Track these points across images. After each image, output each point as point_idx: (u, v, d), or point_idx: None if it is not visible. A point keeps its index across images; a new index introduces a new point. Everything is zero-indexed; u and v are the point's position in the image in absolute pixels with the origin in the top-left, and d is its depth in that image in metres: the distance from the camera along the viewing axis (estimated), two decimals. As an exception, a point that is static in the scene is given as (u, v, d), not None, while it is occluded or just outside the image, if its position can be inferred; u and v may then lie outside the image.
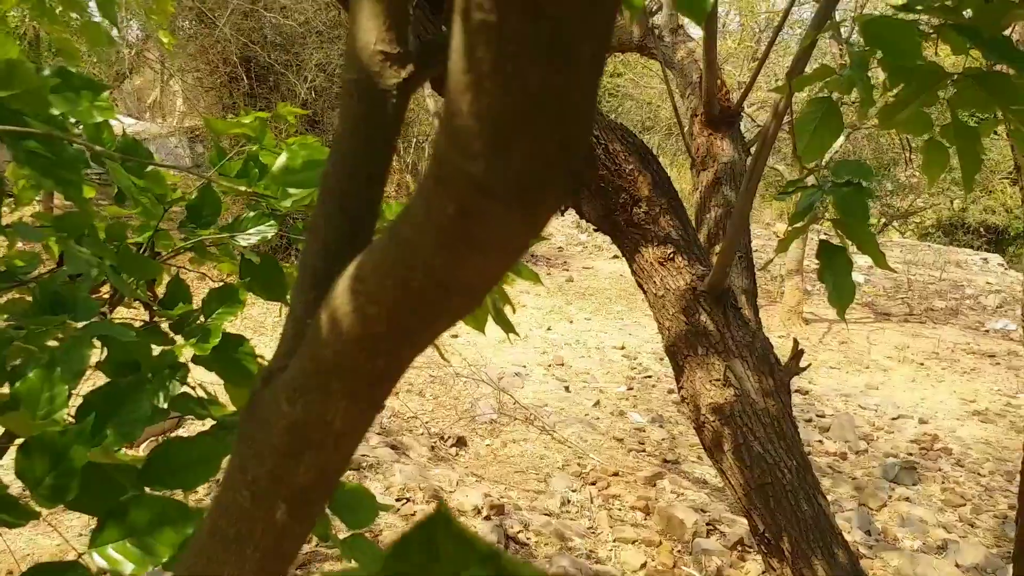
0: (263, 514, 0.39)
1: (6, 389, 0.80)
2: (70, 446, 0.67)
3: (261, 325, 6.56)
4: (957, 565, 3.82)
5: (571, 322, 8.14)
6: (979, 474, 5.04)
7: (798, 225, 1.10)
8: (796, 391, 6.31)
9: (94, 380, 1.06)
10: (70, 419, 0.78)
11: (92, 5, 2.49)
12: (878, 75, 1.04)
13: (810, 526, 1.54)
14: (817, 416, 5.96)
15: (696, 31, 2.11)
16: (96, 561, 0.68)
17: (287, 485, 0.39)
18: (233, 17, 8.07)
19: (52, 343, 1.07)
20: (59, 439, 0.68)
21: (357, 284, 0.33)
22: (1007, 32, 1.05)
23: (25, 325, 0.90)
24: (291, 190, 0.76)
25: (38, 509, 0.69)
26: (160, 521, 0.70)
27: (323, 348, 0.36)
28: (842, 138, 7.21)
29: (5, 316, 0.95)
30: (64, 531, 3.23)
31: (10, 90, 0.76)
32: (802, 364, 1.57)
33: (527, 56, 0.21)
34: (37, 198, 1.56)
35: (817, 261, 1.23)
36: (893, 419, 5.96)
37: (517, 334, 1.23)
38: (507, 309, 1.15)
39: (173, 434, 3.81)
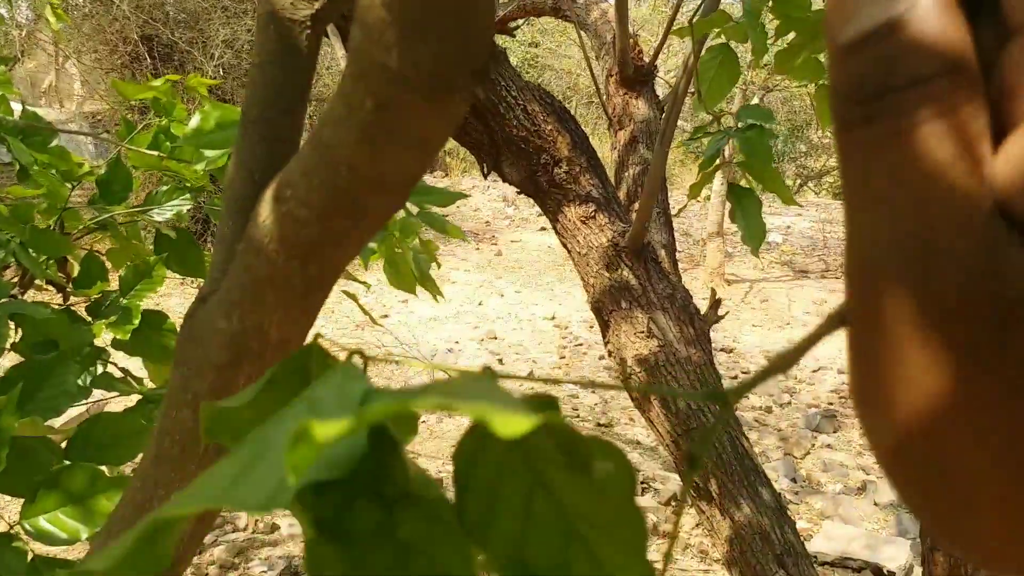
0: None
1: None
2: (-4, 416, 0.66)
3: (180, 316, 6.38)
4: (876, 503, 4.05)
5: (502, 295, 8.18)
6: (893, 417, 5.33)
7: (707, 170, 1.15)
8: (721, 350, 6.52)
9: (9, 363, 1.03)
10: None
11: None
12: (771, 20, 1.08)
13: (735, 467, 1.61)
14: (742, 373, 6.17)
15: (608, -5, 2.14)
16: (28, 530, 0.66)
17: (228, 397, 0.39)
18: (132, -6, 7.73)
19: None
20: (-17, 409, 0.66)
21: (286, 190, 0.34)
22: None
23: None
24: (206, 152, 0.75)
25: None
26: (93, 490, 0.69)
27: (255, 258, 0.36)
28: (755, 100, 7.42)
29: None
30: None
31: None
32: (720, 313, 1.63)
33: None
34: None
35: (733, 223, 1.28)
36: (813, 371, 6.23)
37: (442, 294, 1.24)
38: (433, 267, 1.15)
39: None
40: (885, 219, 0.19)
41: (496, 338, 6.73)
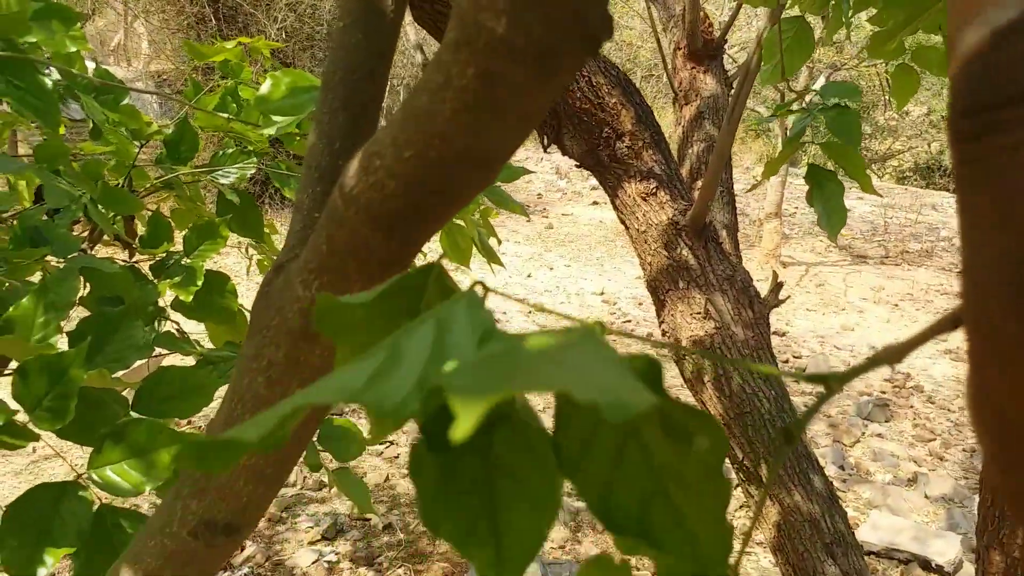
0: (278, 397, 0.40)
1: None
2: (68, 368, 0.67)
3: (237, 275, 6.51)
4: (926, 496, 3.96)
5: (551, 269, 8.16)
6: (949, 410, 5.18)
7: (789, 148, 1.10)
8: (774, 333, 6.40)
9: (78, 317, 1.06)
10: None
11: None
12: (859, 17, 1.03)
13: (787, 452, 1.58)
14: (794, 357, 6.07)
15: (678, -36, 2.07)
16: (96, 482, 0.68)
17: (303, 367, 0.39)
18: (200, -44, 7.81)
19: (34, 279, 1.06)
20: (56, 360, 0.68)
21: (374, 160, 0.33)
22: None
23: (7, 259, 0.89)
24: (275, 118, 0.75)
25: (37, 432, 0.69)
26: (156, 444, 0.70)
27: (339, 229, 0.35)
28: (822, 79, 7.19)
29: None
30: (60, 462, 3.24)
31: (-11, 11, 0.74)
32: (780, 297, 1.59)
33: None
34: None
35: (803, 202, 1.24)
36: (868, 359, 6.08)
37: (502, 264, 1.23)
38: (492, 241, 1.14)
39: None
40: (990, 235, 0.19)
41: (544, 311, 6.72)
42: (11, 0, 0.83)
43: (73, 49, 1.08)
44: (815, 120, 1.05)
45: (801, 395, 5.31)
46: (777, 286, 1.59)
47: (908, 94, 1.18)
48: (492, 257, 1.14)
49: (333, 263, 0.37)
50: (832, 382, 0.28)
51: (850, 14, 1.02)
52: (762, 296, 1.65)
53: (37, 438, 0.68)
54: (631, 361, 0.24)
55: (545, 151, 1.69)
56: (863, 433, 4.74)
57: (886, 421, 4.95)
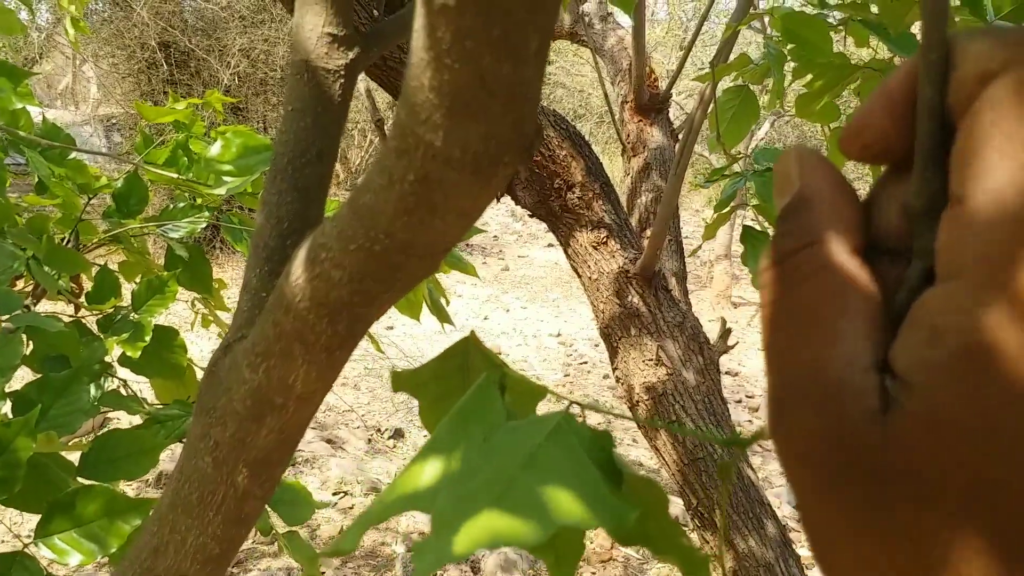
0: (225, 478, 0.41)
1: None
2: (14, 437, 0.66)
3: (185, 321, 6.39)
4: (878, 533, 4.01)
5: (508, 311, 8.18)
6: (897, 446, 5.29)
7: (722, 212, 1.14)
8: (726, 373, 6.49)
9: (22, 376, 1.03)
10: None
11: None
12: (791, 63, 1.09)
13: (740, 499, 1.60)
14: (747, 397, 6.15)
15: (625, 19, 2.15)
16: (42, 552, 0.66)
17: (249, 448, 0.40)
18: (151, 0, 7.78)
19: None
20: (3, 431, 0.66)
21: (321, 252, 0.34)
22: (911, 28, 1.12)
23: (-56, 319, 0.86)
24: (226, 178, 0.75)
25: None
26: (107, 512, 0.69)
27: (284, 314, 0.37)
28: (767, 125, 7.43)
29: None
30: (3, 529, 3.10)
31: (-75, 74, 0.73)
32: (730, 343, 1.63)
33: (482, 39, 0.23)
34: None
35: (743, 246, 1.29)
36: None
37: (453, 324, 1.24)
38: (442, 300, 1.15)
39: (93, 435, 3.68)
40: (770, 353, 0.23)
41: (501, 353, 6.71)
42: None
43: (20, 106, 1.07)
44: (748, 182, 1.10)
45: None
46: (726, 332, 1.62)
47: (843, 158, 1.23)
48: (442, 316, 1.15)
49: (280, 347, 0.38)
50: (741, 444, 0.32)
51: (788, 84, 1.07)
52: (712, 342, 1.68)
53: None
54: (591, 442, 0.28)
55: (497, 201, 1.71)
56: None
57: (837, 459, 5.02)
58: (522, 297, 8.78)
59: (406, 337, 6.57)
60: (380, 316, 0.37)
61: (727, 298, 8.78)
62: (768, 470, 4.74)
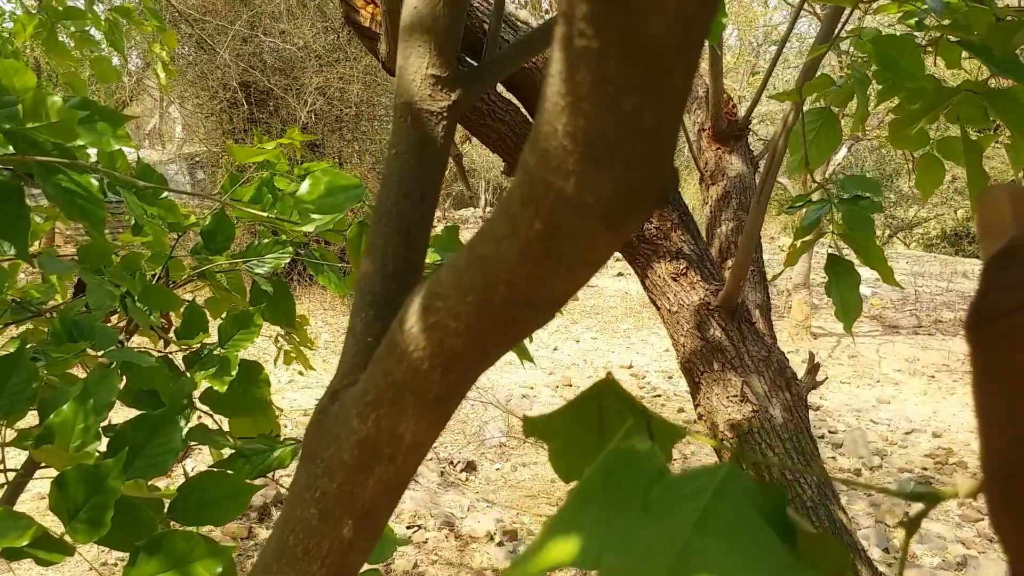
0: (331, 530, 0.40)
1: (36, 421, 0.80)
2: (105, 478, 0.67)
3: (265, 352, 6.55)
4: (977, 580, 3.77)
5: (578, 341, 8.12)
6: (995, 486, 4.99)
7: (805, 239, 1.10)
8: (808, 407, 6.26)
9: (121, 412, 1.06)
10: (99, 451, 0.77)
11: (98, 34, 2.50)
12: (875, 85, 1.05)
13: (833, 542, 1.52)
14: (829, 432, 5.91)
15: (700, 48, 2.12)
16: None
17: (355, 500, 0.39)
18: (232, 43, 8.12)
19: (72, 372, 1.07)
20: (95, 471, 0.67)
21: (436, 301, 0.33)
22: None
23: (46, 354, 0.89)
24: (314, 216, 0.76)
25: (71, 544, 0.68)
26: (192, 557, 0.69)
27: (397, 363, 0.36)
28: (844, 149, 7.23)
29: (30, 346, 0.94)
30: (86, 568, 3.20)
31: (38, 121, 0.76)
32: (818, 378, 1.56)
33: (625, 82, 0.21)
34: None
35: (824, 275, 1.23)
36: (906, 433, 5.91)
37: (532, 360, 1.22)
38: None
39: (178, 466, 3.77)
40: (988, 421, 0.22)
41: (571, 385, 6.65)
42: (53, 105, 0.86)
43: (117, 147, 1.11)
44: (833, 209, 1.05)
45: (839, 472, 5.15)
46: (814, 367, 1.56)
47: (933, 185, 1.18)
48: (523, 353, 1.13)
49: (390, 396, 0.37)
50: (928, 499, 0.29)
51: (873, 106, 1.02)
52: (799, 377, 1.62)
53: (72, 552, 0.67)
54: (761, 497, 0.25)
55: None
56: (906, 513, 4.57)
57: (929, 498, 4.77)
58: (592, 327, 8.71)
59: (477, 368, 6.57)
60: (491, 365, 0.35)
61: (806, 328, 8.52)
62: (854, 510, 4.53)
